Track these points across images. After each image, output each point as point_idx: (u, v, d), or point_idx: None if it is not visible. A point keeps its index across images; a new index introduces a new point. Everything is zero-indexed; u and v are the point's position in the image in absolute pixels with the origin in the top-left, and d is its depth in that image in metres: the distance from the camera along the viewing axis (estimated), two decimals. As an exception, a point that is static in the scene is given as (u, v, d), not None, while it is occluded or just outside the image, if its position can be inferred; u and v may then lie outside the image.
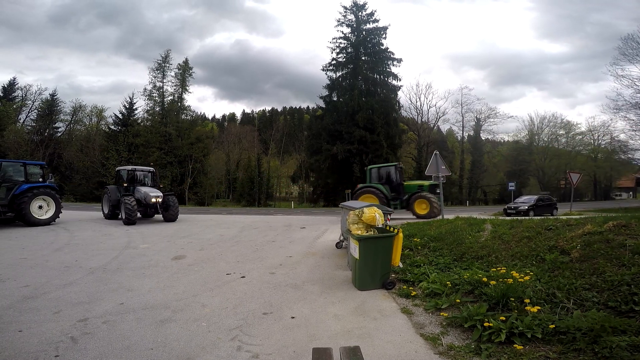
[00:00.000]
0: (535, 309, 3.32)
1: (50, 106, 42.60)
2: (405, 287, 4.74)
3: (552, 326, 3.04)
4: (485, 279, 4.07)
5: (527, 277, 3.93)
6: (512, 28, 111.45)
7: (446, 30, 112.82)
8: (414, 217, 13.14)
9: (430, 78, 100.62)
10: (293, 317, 3.85)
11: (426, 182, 14.43)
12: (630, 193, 59.38)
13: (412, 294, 4.44)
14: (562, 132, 50.81)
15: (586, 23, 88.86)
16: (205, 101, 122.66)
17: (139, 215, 12.34)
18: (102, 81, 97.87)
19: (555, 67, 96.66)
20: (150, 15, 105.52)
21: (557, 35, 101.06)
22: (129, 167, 14.25)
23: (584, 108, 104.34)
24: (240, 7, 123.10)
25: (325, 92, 38.16)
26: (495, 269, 4.44)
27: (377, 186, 14.09)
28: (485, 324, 3.21)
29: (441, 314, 3.78)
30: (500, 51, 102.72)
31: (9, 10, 78.15)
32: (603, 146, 49.32)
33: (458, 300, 3.92)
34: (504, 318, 3.23)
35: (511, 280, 3.83)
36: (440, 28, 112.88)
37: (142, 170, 14.49)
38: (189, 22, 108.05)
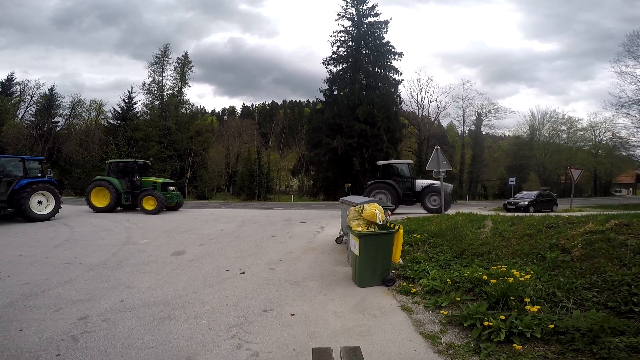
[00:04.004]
0: (535, 309, 3.31)
1: (49, 101, 42.31)
2: (405, 284, 4.75)
3: (551, 326, 3.04)
4: (485, 277, 4.07)
5: (527, 276, 3.92)
6: (499, 28, 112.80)
7: (435, 30, 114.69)
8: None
9: (423, 76, 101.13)
10: (293, 315, 3.86)
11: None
12: (630, 189, 59.30)
13: (412, 291, 4.45)
14: (563, 127, 50.66)
15: (574, 21, 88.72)
16: (205, 97, 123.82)
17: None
18: (105, 79, 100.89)
19: (546, 64, 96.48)
20: (149, 17, 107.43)
21: (545, 34, 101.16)
22: (409, 161, 16.21)
23: (577, 105, 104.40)
24: (234, 8, 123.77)
25: (325, 86, 37.87)
26: (495, 267, 4.43)
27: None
28: (485, 323, 3.21)
29: (441, 312, 3.78)
30: (489, 50, 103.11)
31: (15, 12, 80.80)
32: (604, 142, 49.20)
33: (458, 298, 3.92)
34: (503, 317, 3.23)
35: (511, 279, 3.83)
36: (429, 28, 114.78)
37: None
38: (185, 23, 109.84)
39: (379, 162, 15.67)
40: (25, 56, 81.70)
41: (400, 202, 13.86)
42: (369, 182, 14.31)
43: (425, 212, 13.38)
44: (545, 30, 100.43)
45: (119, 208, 15.01)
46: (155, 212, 13.98)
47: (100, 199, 14.56)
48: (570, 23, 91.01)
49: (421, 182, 14.28)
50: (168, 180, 16.48)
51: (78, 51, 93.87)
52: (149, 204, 14.15)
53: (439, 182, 13.29)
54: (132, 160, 16.56)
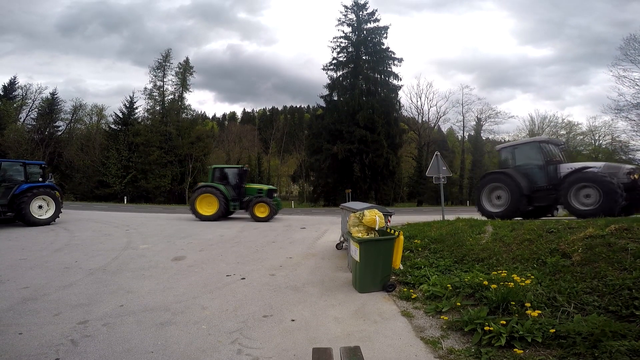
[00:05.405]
0: (535, 313, 3.31)
1: (51, 105, 42.59)
2: (405, 289, 4.74)
3: (552, 330, 3.04)
4: (486, 282, 4.07)
5: (528, 281, 3.92)
6: (492, 34, 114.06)
7: (430, 37, 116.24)
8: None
9: (422, 81, 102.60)
10: (293, 320, 3.84)
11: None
12: (630, 193, 59.17)
13: (413, 297, 4.44)
14: (563, 132, 50.67)
15: (566, 26, 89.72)
16: (206, 103, 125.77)
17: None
18: (108, 85, 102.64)
19: (540, 69, 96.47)
20: (151, 25, 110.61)
21: (539, 40, 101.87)
22: (545, 137, 10.96)
23: (573, 110, 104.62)
24: (233, 17, 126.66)
25: (325, 92, 38.12)
26: (496, 272, 4.43)
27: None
28: (486, 328, 3.21)
29: (441, 317, 3.78)
30: (483, 56, 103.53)
31: (22, 18, 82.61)
32: (604, 147, 49.23)
33: (459, 304, 3.91)
34: (504, 322, 3.23)
35: (512, 284, 3.83)
36: (424, 36, 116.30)
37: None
38: (185, 31, 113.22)
39: (498, 146, 11.43)
40: (30, 62, 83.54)
41: (529, 201, 9.02)
42: (485, 174, 10.37)
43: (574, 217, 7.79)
44: (538, 35, 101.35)
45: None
46: (267, 219, 13.59)
47: (204, 207, 13.83)
48: (562, 28, 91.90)
49: (567, 167, 8.73)
50: (272, 187, 15.64)
51: (82, 57, 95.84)
52: (260, 211, 13.72)
53: (599, 164, 8.43)
54: (240, 166, 16.06)
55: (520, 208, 8.94)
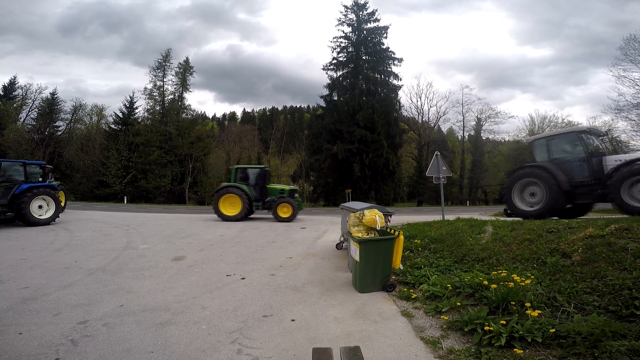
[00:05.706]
0: (535, 313, 3.31)
1: (51, 105, 42.55)
2: (405, 289, 4.74)
3: (552, 330, 3.04)
4: (486, 282, 4.07)
5: (528, 281, 3.92)
6: (491, 35, 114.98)
7: (429, 38, 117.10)
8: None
9: (422, 81, 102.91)
10: (293, 320, 3.84)
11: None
12: (631, 193, 59.06)
13: (413, 297, 4.44)
14: (562, 132, 50.61)
15: (564, 27, 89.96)
16: (206, 104, 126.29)
17: None
18: (109, 85, 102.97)
19: (539, 70, 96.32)
20: (151, 26, 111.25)
21: (538, 40, 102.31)
22: (584, 128, 9.23)
23: (573, 110, 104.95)
24: (233, 17, 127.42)
25: (325, 92, 38.04)
26: (496, 272, 4.43)
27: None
28: (486, 328, 3.21)
29: (441, 317, 3.78)
30: (482, 56, 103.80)
31: (23, 19, 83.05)
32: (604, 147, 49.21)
33: (458, 304, 3.91)
34: (504, 322, 3.23)
35: (512, 283, 3.83)
36: (423, 36, 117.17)
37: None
38: (185, 32, 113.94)
39: (530, 137, 10.45)
40: (31, 62, 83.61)
41: (568, 198, 8.03)
42: (516, 168, 9.26)
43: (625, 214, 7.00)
44: (537, 36, 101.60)
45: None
46: (290, 219, 13.66)
47: (227, 207, 13.70)
48: (561, 28, 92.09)
49: (613, 159, 7.81)
50: (294, 187, 15.66)
51: (82, 57, 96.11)
52: (283, 211, 13.79)
53: None
54: (262, 166, 16.20)
55: (559, 205, 8.02)
